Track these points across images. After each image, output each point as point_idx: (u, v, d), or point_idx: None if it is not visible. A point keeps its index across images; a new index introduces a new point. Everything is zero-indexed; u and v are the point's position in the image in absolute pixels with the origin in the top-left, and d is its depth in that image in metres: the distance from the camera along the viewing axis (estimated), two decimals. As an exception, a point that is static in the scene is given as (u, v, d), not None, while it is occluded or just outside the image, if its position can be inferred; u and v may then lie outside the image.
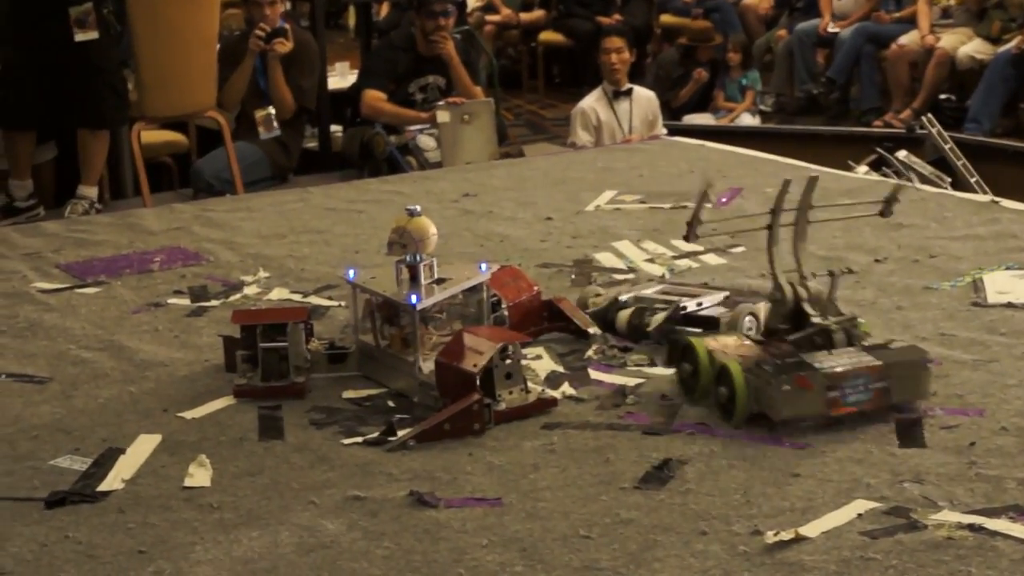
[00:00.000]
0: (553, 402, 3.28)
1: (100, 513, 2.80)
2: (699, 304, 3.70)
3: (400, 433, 3.12)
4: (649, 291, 3.87)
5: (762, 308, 3.49)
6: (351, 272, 3.54)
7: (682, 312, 3.67)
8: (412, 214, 3.42)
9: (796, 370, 3.06)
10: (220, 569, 2.56)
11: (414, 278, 3.42)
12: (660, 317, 3.66)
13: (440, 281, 3.46)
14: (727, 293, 3.81)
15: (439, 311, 3.52)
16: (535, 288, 3.79)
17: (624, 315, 3.72)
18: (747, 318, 3.57)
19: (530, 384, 3.31)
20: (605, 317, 3.76)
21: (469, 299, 3.58)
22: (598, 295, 3.89)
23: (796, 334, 3.23)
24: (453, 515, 2.74)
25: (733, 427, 3.09)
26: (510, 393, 3.24)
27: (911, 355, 3.20)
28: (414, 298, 3.35)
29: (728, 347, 3.25)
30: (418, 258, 3.42)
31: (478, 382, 3.19)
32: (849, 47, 11.66)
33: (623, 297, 3.79)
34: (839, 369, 3.07)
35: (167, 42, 7.49)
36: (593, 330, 3.70)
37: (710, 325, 3.56)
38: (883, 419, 3.10)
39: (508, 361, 3.24)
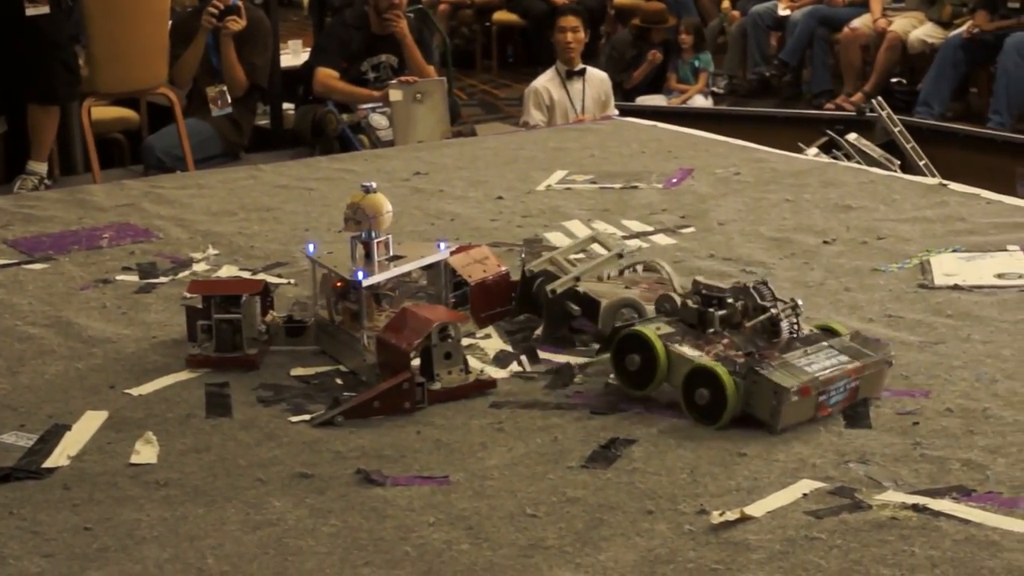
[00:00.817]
0: (492, 384, 3.27)
1: (45, 490, 2.79)
2: (576, 279, 3.55)
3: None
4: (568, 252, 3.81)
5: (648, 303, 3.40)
6: (311, 246, 3.55)
7: (559, 293, 3.54)
8: (367, 191, 3.41)
9: (799, 379, 2.99)
10: (166, 546, 2.55)
11: (368, 255, 3.42)
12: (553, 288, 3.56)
13: (396, 259, 3.46)
14: (620, 251, 3.69)
15: (391, 289, 3.51)
16: (502, 268, 3.77)
17: (534, 285, 3.66)
18: (624, 310, 3.44)
19: (473, 364, 3.31)
20: (523, 288, 3.67)
21: (430, 278, 3.58)
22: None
23: (747, 323, 3.17)
24: (400, 493, 2.73)
25: (716, 429, 3.00)
26: (449, 373, 3.23)
27: (880, 354, 3.15)
28: (360, 274, 3.34)
29: (671, 337, 3.14)
30: (372, 235, 3.41)
31: (413, 360, 3.19)
32: (802, 30, 11.70)
33: (531, 267, 3.69)
34: (828, 374, 3.03)
35: (118, 17, 7.44)
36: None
37: (589, 307, 3.46)
38: (829, 400, 3.11)
39: (448, 341, 3.23)
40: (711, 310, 3.18)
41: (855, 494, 2.67)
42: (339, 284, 3.45)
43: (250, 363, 3.44)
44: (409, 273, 3.54)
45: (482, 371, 3.31)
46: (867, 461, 2.82)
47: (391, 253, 3.46)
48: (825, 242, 4.38)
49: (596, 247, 3.96)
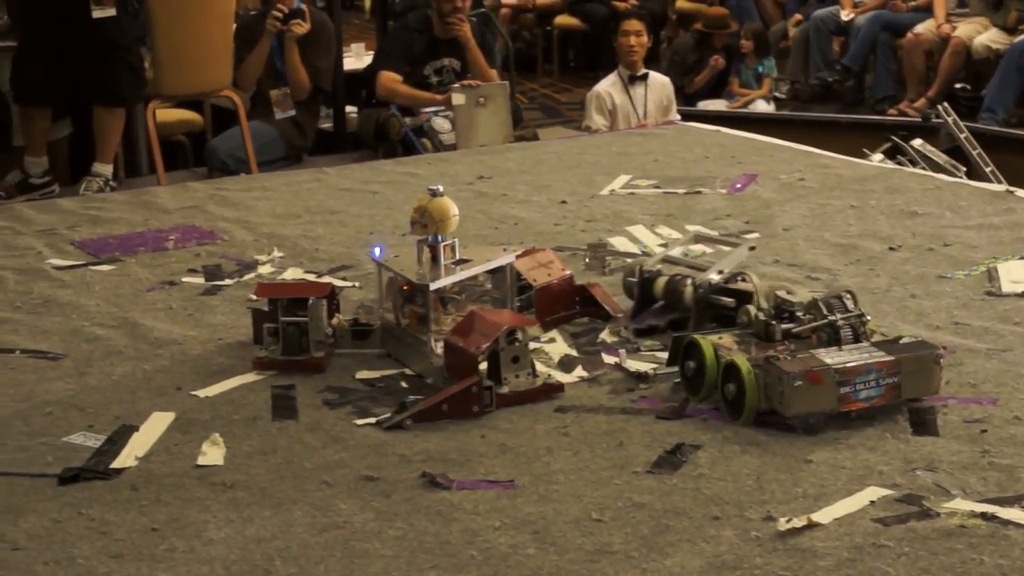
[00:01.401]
0: (559, 388, 3.27)
1: (113, 490, 2.81)
2: (720, 272, 3.60)
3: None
4: (677, 251, 3.93)
5: (799, 290, 3.46)
6: (376, 250, 3.55)
7: (708, 288, 3.56)
8: (434, 194, 3.42)
9: (807, 365, 3.02)
10: (232, 547, 2.56)
11: (434, 258, 3.42)
12: (691, 289, 3.59)
13: (462, 262, 3.46)
14: (752, 244, 3.85)
15: (458, 292, 3.51)
16: (567, 272, 3.77)
17: (660, 283, 3.68)
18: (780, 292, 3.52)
19: (540, 368, 3.31)
20: (643, 288, 3.70)
21: (495, 282, 3.58)
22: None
23: (799, 327, 3.21)
24: (465, 497, 2.74)
25: (741, 424, 3.04)
26: (516, 377, 3.23)
27: (922, 350, 3.15)
28: (427, 277, 3.35)
29: (732, 345, 3.21)
30: (439, 238, 3.41)
31: (481, 364, 3.19)
32: (865, 35, 11.64)
33: (648, 266, 3.74)
34: (850, 364, 3.03)
35: (183, 20, 7.50)
36: (622, 316, 3.67)
37: (742, 299, 3.50)
38: (897, 407, 3.09)
39: (516, 345, 3.24)
40: (775, 323, 3.21)
41: (923, 502, 2.66)
42: (406, 287, 3.46)
43: (317, 366, 3.44)
44: (475, 277, 3.54)
45: (549, 375, 3.31)
46: (935, 469, 2.80)
47: (457, 257, 3.47)
48: (891, 248, 4.36)
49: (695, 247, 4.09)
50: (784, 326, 3.21)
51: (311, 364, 3.45)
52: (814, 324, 3.20)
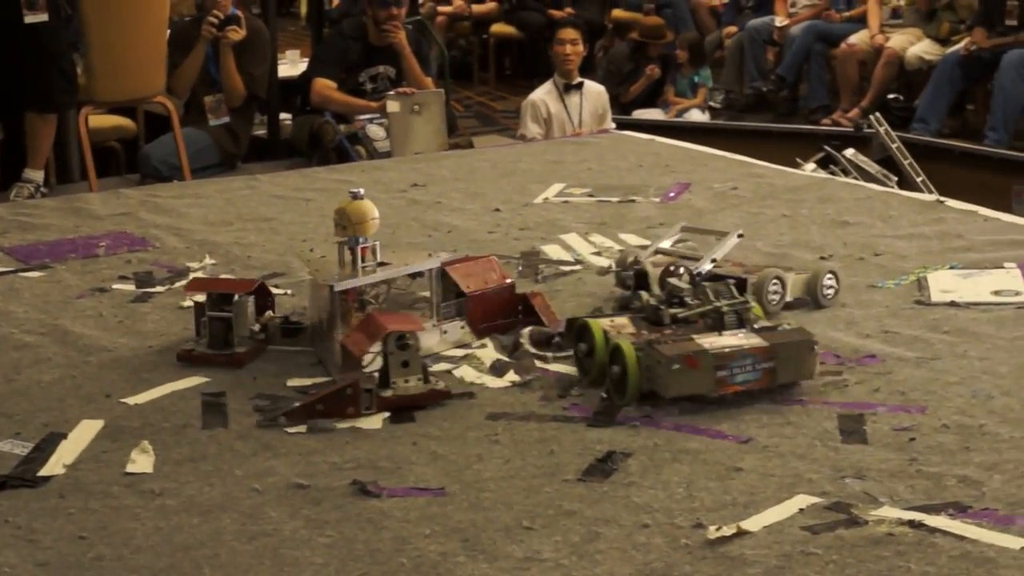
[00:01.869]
0: (446, 394, 3.27)
1: (40, 498, 2.79)
2: (713, 261, 3.81)
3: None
4: (666, 243, 4.04)
5: (790, 276, 3.70)
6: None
7: (703, 274, 3.74)
8: (355, 196, 3.47)
9: (685, 349, 3.14)
10: (161, 555, 2.54)
11: (353, 260, 3.45)
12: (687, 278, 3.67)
13: (382, 265, 3.49)
14: (740, 231, 3.99)
15: (374, 296, 3.53)
16: (507, 281, 3.77)
17: (655, 274, 3.72)
18: (772, 283, 3.74)
19: (468, 374, 3.35)
20: (637, 278, 3.74)
21: (432, 289, 3.59)
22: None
23: (687, 312, 3.36)
24: (396, 504, 2.73)
25: (624, 405, 3.17)
26: (406, 381, 3.24)
27: (798, 336, 3.27)
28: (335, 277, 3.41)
29: (622, 329, 3.34)
30: (357, 240, 3.43)
31: (369, 366, 3.25)
32: (799, 45, 11.72)
33: (641, 257, 3.89)
34: (727, 349, 3.16)
35: (117, 26, 7.46)
36: (559, 330, 3.68)
37: (738, 288, 3.56)
38: (826, 415, 3.12)
39: (406, 349, 3.24)
40: (663, 307, 3.37)
41: (851, 509, 2.67)
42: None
43: (237, 362, 3.49)
44: (395, 281, 3.59)
45: (436, 381, 3.31)
46: (863, 476, 2.82)
47: (378, 259, 3.49)
48: (822, 258, 4.37)
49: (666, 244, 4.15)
50: (672, 311, 3.38)
51: (232, 359, 3.49)
52: (700, 310, 3.35)
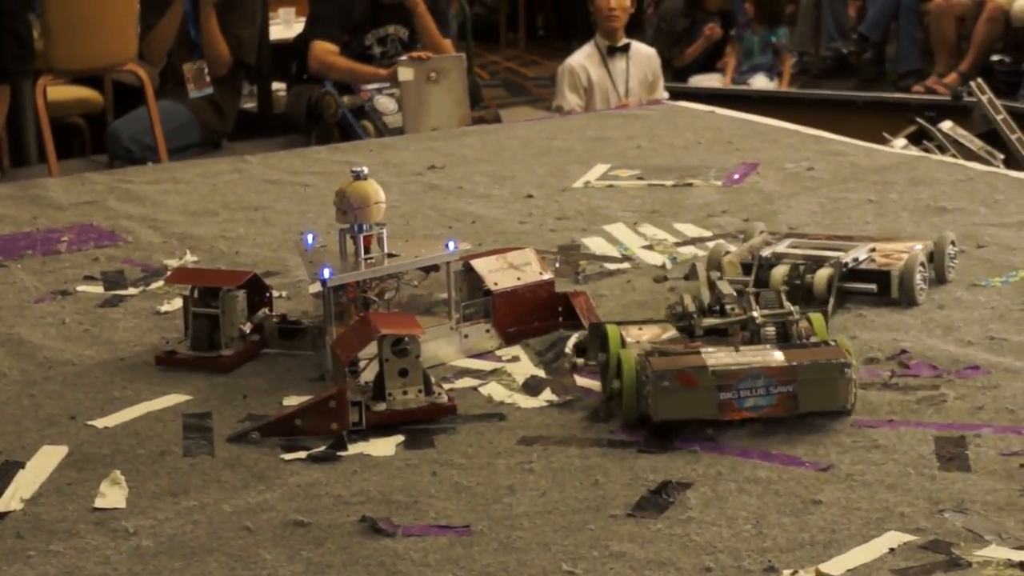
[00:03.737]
0: (451, 409, 3.28)
1: (-6, 538, 2.80)
2: (855, 259, 3.86)
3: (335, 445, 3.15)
4: (782, 247, 3.99)
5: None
6: (309, 237, 3.63)
7: (846, 267, 3.82)
8: (357, 176, 3.47)
9: (680, 364, 3.12)
10: (136, 606, 2.56)
11: (356, 250, 3.48)
12: (824, 274, 3.75)
13: (390, 257, 3.51)
14: (871, 246, 3.98)
15: (379, 294, 3.54)
16: (546, 277, 3.78)
17: (779, 273, 3.76)
18: (919, 269, 3.85)
19: (495, 392, 3.36)
20: (757, 276, 3.80)
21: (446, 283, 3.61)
22: (727, 252, 4.03)
23: (712, 321, 3.35)
24: (413, 545, 2.73)
25: (622, 425, 3.18)
26: (404, 393, 3.25)
27: (826, 356, 3.20)
28: (326, 272, 3.40)
29: (643, 338, 3.36)
30: (362, 228, 3.44)
31: (362, 374, 3.28)
32: (886, -1, 11.70)
33: (764, 253, 3.89)
34: (732, 367, 3.12)
35: (80, -18, 7.49)
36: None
37: (881, 280, 3.60)
38: (920, 437, 3.11)
39: (405, 356, 3.25)
40: (697, 316, 3.37)
41: (951, 549, 2.67)
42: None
43: (222, 366, 3.53)
44: (409, 279, 3.61)
45: (439, 394, 3.32)
46: (965, 510, 2.81)
47: (385, 250, 3.50)
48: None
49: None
50: (708, 321, 3.36)
51: (216, 363, 3.53)
52: (731, 319, 3.34)
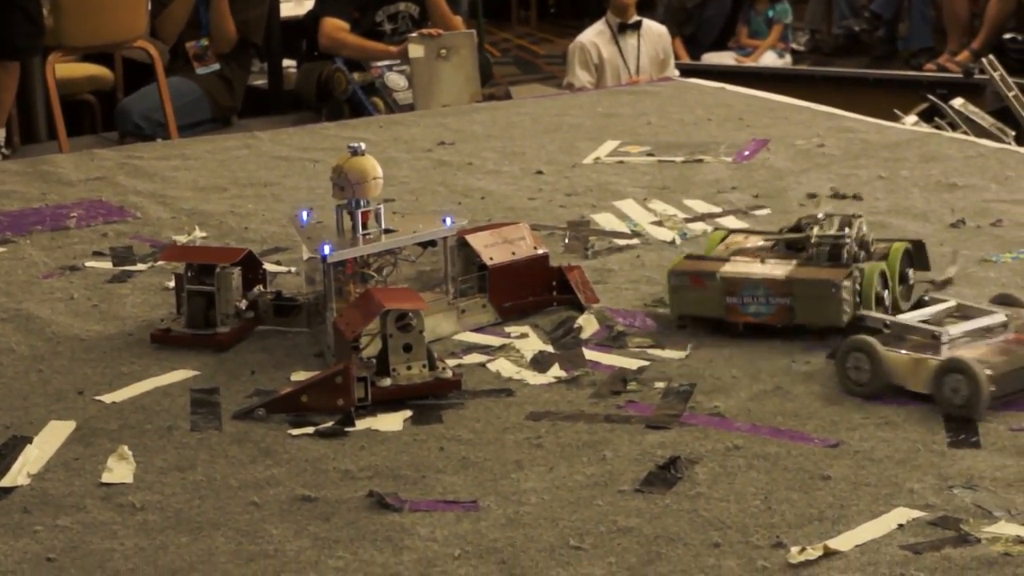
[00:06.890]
0: (456, 384, 3.28)
1: (2, 513, 2.79)
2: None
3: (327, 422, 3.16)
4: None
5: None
6: (304, 214, 3.65)
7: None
8: (354, 152, 3.48)
9: (696, 268, 3.56)
10: (143, 580, 2.56)
11: (353, 226, 3.48)
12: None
13: (388, 233, 3.52)
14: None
15: (377, 269, 3.54)
16: (540, 251, 3.79)
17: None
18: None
19: (504, 368, 3.37)
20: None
21: (439, 258, 3.61)
22: None
23: (788, 236, 3.69)
24: (420, 520, 2.73)
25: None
26: (408, 368, 3.24)
27: (819, 275, 3.47)
28: (327, 248, 3.40)
29: (743, 244, 3.74)
30: (359, 203, 3.45)
31: (365, 350, 3.28)
32: (898, -24, 11.68)
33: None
34: (737, 276, 3.50)
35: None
36: (596, 307, 3.70)
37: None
38: (930, 413, 3.10)
39: (408, 331, 3.25)
40: (783, 234, 3.73)
41: (960, 525, 2.66)
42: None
43: (220, 343, 3.54)
44: (407, 255, 3.64)
45: (443, 368, 3.31)
46: (975, 486, 2.81)
47: (383, 226, 3.50)
48: (952, 225, 4.35)
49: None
50: (785, 236, 3.71)
51: (212, 341, 3.54)
52: (793, 236, 3.67)
